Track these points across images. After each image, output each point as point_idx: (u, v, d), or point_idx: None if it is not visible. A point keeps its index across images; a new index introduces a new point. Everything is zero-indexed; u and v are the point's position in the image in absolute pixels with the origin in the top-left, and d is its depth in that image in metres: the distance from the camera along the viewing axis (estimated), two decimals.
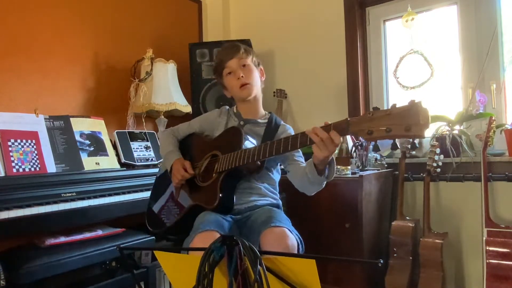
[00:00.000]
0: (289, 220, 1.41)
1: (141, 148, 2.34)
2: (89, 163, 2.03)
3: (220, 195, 1.36)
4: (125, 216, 1.98)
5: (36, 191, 1.73)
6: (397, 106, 1.00)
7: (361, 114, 1.07)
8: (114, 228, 2.02)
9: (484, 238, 1.90)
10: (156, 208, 1.66)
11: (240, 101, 1.61)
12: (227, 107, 1.68)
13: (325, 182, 1.33)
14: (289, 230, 1.28)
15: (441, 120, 2.26)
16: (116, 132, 2.30)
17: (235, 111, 1.64)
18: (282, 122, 1.63)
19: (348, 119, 1.10)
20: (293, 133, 1.58)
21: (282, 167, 1.61)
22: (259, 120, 1.60)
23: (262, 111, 1.65)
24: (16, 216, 1.61)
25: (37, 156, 1.84)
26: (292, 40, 3.00)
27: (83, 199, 1.85)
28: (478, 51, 2.29)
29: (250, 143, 1.44)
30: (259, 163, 1.42)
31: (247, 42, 2.56)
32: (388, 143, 2.50)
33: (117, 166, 2.15)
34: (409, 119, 0.97)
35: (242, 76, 1.53)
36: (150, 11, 2.83)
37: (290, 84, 3.00)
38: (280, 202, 1.57)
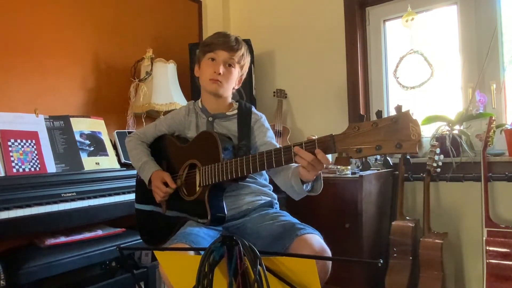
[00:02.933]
0: (289, 214, 1.39)
1: None
2: (89, 163, 2.03)
3: (211, 211, 1.30)
4: (125, 216, 1.97)
5: (36, 191, 1.73)
6: (384, 116, 0.92)
7: (346, 128, 0.97)
8: (114, 228, 2.02)
9: (484, 238, 1.90)
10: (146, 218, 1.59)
11: (205, 92, 1.50)
12: (193, 101, 1.58)
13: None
14: (316, 234, 1.23)
15: (441, 120, 2.26)
16: (116, 132, 2.30)
17: (200, 106, 1.53)
18: (253, 110, 1.51)
19: (333, 135, 1.01)
20: (266, 123, 1.49)
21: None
22: (228, 113, 1.49)
23: (228, 101, 1.53)
24: (16, 216, 1.61)
25: (37, 156, 1.84)
26: (292, 40, 3.00)
27: (83, 199, 1.85)
28: (478, 51, 2.29)
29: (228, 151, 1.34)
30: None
31: (247, 42, 2.53)
32: None
33: (117, 166, 2.15)
34: (399, 134, 0.88)
35: (219, 73, 1.41)
36: (150, 11, 2.83)
37: (290, 84, 3.00)
38: (273, 195, 1.50)
